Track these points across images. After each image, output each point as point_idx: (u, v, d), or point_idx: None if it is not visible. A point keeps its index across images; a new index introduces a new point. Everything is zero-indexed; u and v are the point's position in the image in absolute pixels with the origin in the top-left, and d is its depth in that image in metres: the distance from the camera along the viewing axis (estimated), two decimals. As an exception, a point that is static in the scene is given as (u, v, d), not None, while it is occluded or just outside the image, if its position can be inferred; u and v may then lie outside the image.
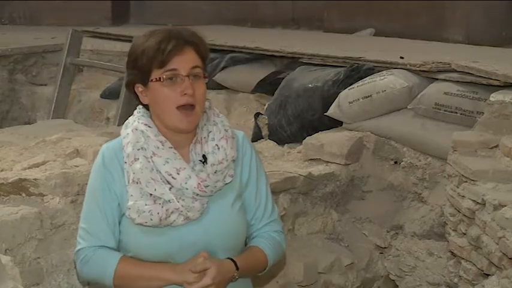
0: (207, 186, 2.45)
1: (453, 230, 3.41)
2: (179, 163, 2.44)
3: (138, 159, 2.44)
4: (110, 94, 5.63)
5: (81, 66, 5.95)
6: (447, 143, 3.67)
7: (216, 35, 5.49)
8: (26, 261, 3.02)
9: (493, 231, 2.96)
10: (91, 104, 5.75)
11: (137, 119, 2.52)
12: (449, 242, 3.47)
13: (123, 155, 2.48)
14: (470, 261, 3.23)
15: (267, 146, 4.35)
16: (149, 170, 2.43)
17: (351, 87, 4.29)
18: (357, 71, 4.42)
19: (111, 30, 6.69)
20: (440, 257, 3.87)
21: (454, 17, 5.93)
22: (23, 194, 3.17)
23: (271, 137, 4.54)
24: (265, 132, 4.60)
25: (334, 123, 4.32)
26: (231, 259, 2.50)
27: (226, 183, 2.51)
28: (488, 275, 3.08)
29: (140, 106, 2.55)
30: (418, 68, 4.30)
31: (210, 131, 2.50)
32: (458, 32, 5.88)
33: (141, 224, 2.44)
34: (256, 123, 4.66)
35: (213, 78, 5.13)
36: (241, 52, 5.32)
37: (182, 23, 6.40)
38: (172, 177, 2.43)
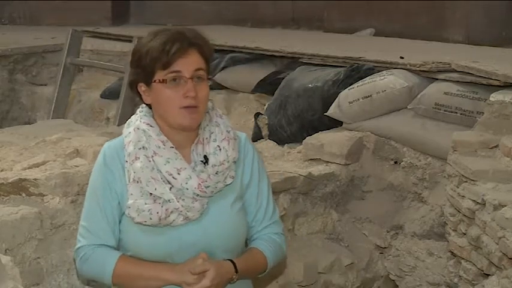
0: (208, 186, 2.45)
1: (453, 230, 3.41)
2: (180, 163, 2.44)
3: (139, 158, 2.44)
4: (110, 94, 5.63)
5: (81, 66, 5.95)
6: (447, 143, 3.67)
7: (216, 35, 5.46)
8: (26, 261, 3.02)
9: (493, 231, 2.96)
10: (91, 104, 5.75)
11: (139, 118, 2.51)
12: (449, 242, 3.47)
13: (125, 153, 2.48)
14: (470, 261, 3.23)
15: (267, 146, 4.35)
16: (150, 170, 2.43)
17: (351, 87, 4.29)
18: (357, 71, 4.42)
19: (111, 30, 6.69)
20: (440, 257, 3.87)
21: (454, 17, 5.93)
22: (23, 194, 3.17)
23: (271, 137, 4.54)
24: (265, 132, 4.60)
25: (334, 123, 4.32)
26: (231, 261, 2.50)
27: (227, 184, 2.50)
28: (488, 275, 3.08)
29: (143, 105, 2.55)
30: (418, 68, 4.30)
31: (212, 132, 2.50)
32: (458, 32, 5.89)
33: (140, 223, 2.44)
34: (256, 123, 4.66)
35: (213, 78, 5.13)
36: (241, 52, 5.32)
37: (182, 23, 6.39)
38: (173, 177, 2.43)
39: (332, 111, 4.27)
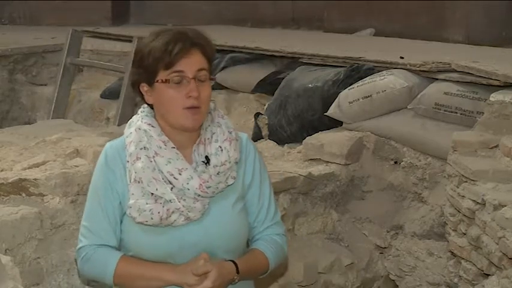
0: (209, 187, 2.45)
1: (453, 230, 3.41)
2: (181, 163, 2.44)
3: (140, 158, 2.44)
4: (110, 94, 5.63)
5: (81, 66, 5.95)
6: (447, 143, 3.67)
7: (216, 35, 5.45)
8: (26, 261, 3.02)
9: (493, 231, 2.96)
10: (91, 104, 5.75)
11: (141, 119, 2.51)
12: (449, 242, 3.47)
13: (126, 154, 2.48)
14: (470, 261, 3.23)
15: (267, 146, 4.35)
16: (151, 170, 2.43)
17: (351, 87, 4.29)
18: (357, 71, 4.42)
19: (111, 30, 6.69)
20: (440, 257, 3.87)
21: (454, 17, 5.93)
22: (23, 194, 3.17)
23: (271, 137, 4.54)
24: (265, 132, 4.60)
25: (334, 123, 4.32)
26: (233, 261, 2.50)
27: (229, 185, 2.50)
28: (488, 275, 3.08)
29: (144, 105, 2.54)
30: (418, 68, 4.30)
31: (214, 133, 2.49)
32: (458, 32, 5.89)
33: (141, 223, 2.44)
34: (256, 123, 4.66)
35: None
36: (241, 52, 5.32)
37: (182, 23, 6.41)
38: (174, 178, 2.43)
39: (332, 111, 4.27)
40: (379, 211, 4.11)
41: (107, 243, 2.50)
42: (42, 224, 3.07)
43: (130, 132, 2.49)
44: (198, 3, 7.39)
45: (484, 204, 3.09)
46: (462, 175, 3.34)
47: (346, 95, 4.24)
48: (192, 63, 2.42)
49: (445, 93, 4.05)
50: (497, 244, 2.92)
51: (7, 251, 2.92)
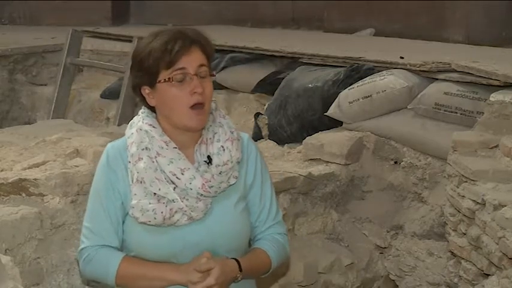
0: (212, 187, 2.45)
1: (453, 230, 3.41)
2: (183, 163, 2.44)
3: (142, 159, 2.44)
4: (110, 94, 5.63)
5: (81, 66, 5.95)
6: (447, 143, 3.67)
7: (216, 35, 5.46)
8: (26, 261, 3.02)
9: (493, 231, 2.96)
10: (91, 104, 5.75)
11: (142, 119, 2.51)
12: (449, 242, 3.47)
13: (127, 154, 2.48)
14: (470, 261, 3.23)
15: (267, 146, 4.35)
16: (153, 170, 2.43)
17: (351, 87, 4.29)
18: (357, 71, 4.42)
19: (111, 30, 6.69)
20: (440, 257, 3.87)
21: (454, 17, 5.93)
22: (23, 194, 3.17)
23: (271, 137, 4.54)
24: (265, 132, 4.60)
25: (334, 123, 4.32)
26: (236, 259, 2.50)
27: (231, 185, 2.50)
28: (488, 275, 3.08)
29: (144, 107, 2.54)
30: (418, 68, 4.30)
31: (216, 132, 2.49)
32: (458, 32, 5.89)
33: (144, 223, 2.44)
34: (256, 123, 4.66)
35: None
36: (241, 52, 5.32)
37: (182, 23, 6.40)
38: (177, 178, 2.43)
39: (332, 111, 4.27)
40: (379, 211, 4.11)
41: (109, 244, 2.50)
42: (42, 224, 3.07)
43: (132, 133, 2.49)
44: (198, 3, 7.39)
45: (484, 204, 3.09)
46: (462, 175, 3.34)
47: (346, 95, 4.24)
48: (192, 60, 2.42)
49: (445, 93, 4.05)
50: (497, 244, 2.92)
51: (7, 251, 2.92)
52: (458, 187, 3.34)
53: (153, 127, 2.48)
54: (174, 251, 2.46)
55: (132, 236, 2.50)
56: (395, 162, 4.14)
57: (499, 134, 3.54)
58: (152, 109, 2.52)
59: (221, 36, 5.58)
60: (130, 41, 5.56)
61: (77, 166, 3.32)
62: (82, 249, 2.53)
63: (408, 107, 4.16)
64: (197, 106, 2.43)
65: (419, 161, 4.04)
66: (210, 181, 2.44)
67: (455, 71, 4.19)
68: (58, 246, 3.13)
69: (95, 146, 3.55)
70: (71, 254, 3.15)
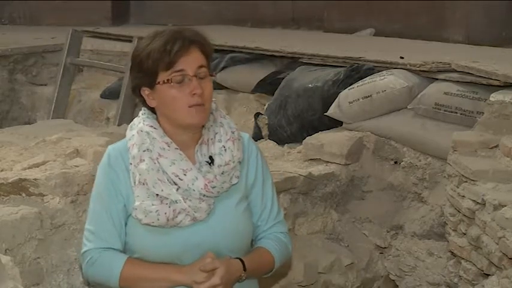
0: (214, 187, 2.45)
1: (453, 230, 3.41)
2: (185, 164, 2.44)
3: (144, 160, 2.44)
4: (110, 94, 5.63)
5: (81, 66, 5.95)
6: (447, 143, 3.67)
7: (216, 35, 5.46)
8: (26, 261, 3.02)
9: (493, 231, 2.96)
10: (91, 104, 5.75)
11: (142, 121, 2.50)
12: (449, 242, 3.47)
13: (129, 156, 2.47)
14: (470, 261, 3.23)
15: (267, 146, 4.35)
16: (155, 171, 2.43)
17: (351, 87, 4.29)
18: (357, 71, 4.42)
19: (111, 30, 6.69)
20: (440, 257, 3.87)
21: (454, 17, 5.93)
22: (23, 194, 3.17)
23: (271, 137, 4.54)
24: (265, 132, 4.60)
25: (334, 123, 4.32)
26: (240, 259, 2.50)
27: (233, 184, 2.51)
28: (488, 275, 3.08)
29: (145, 108, 2.54)
30: (418, 68, 4.30)
31: (217, 132, 2.49)
32: (458, 32, 5.89)
33: (148, 224, 2.44)
34: (256, 123, 4.66)
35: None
36: (241, 52, 5.32)
37: (182, 23, 6.40)
38: (179, 178, 2.43)
39: (332, 111, 4.27)
40: (379, 211, 4.11)
41: (112, 246, 2.50)
42: (42, 224, 3.07)
43: (133, 135, 2.49)
44: (198, 3, 7.39)
45: (484, 204, 3.09)
46: (462, 175, 3.34)
47: (346, 95, 4.24)
48: (191, 61, 2.42)
49: (445, 93, 4.05)
50: (497, 244, 2.92)
51: (7, 251, 2.92)
52: (458, 187, 3.34)
53: (154, 128, 2.47)
54: (177, 252, 2.46)
55: (134, 237, 2.49)
56: (395, 162, 4.14)
57: (499, 134, 3.54)
58: (152, 110, 2.52)
59: (221, 36, 5.58)
60: (130, 41, 5.56)
61: (77, 166, 3.32)
62: (85, 252, 2.52)
63: (408, 107, 4.16)
64: (197, 106, 2.43)
65: (419, 161, 4.04)
66: (212, 181, 2.44)
67: (455, 71, 4.19)
68: (58, 246, 3.13)
69: (95, 146, 3.55)
70: (71, 254, 3.15)
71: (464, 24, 5.90)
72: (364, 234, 4.12)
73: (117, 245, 2.50)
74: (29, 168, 3.30)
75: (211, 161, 2.47)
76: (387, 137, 4.15)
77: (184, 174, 2.43)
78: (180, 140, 2.48)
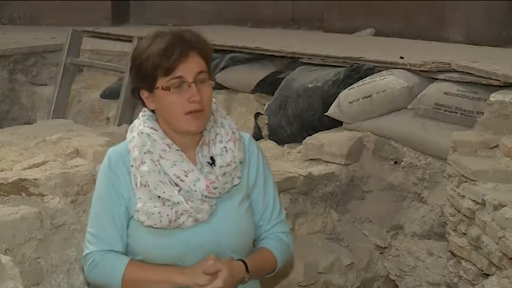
0: (216, 188, 2.44)
1: (453, 230, 3.41)
2: (187, 165, 2.43)
3: (145, 162, 2.42)
4: (110, 94, 5.63)
5: (81, 66, 5.95)
6: (447, 143, 3.68)
7: (216, 35, 5.49)
8: (26, 261, 3.02)
9: (493, 231, 2.96)
10: (91, 104, 5.75)
11: (142, 123, 2.49)
12: (449, 242, 3.47)
13: (130, 158, 2.47)
14: (470, 261, 3.23)
15: (267, 146, 4.35)
16: (157, 173, 2.42)
17: (351, 87, 4.29)
18: (357, 71, 4.42)
19: (111, 30, 6.69)
20: (440, 257, 3.87)
21: (454, 17, 5.93)
22: (23, 194, 3.17)
23: (271, 137, 4.54)
24: (265, 132, 4.60)
25: (334, 123, 4.32)
26: (242, 261, 2.49)
27: (234, 185, 2.50)
28: (488, 275, 3.08)
29: (145, 109, 2.53)
30: (418, 68, 4.30)
31: (218, 133, 2.48)
32: (458, 32, 5.89)
33: (150, 226, 2.43)
34: (256, 123, 4.66)
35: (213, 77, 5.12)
36: (241, 52, 5.32)
37: (182, 23, 6.41)
38: (181, 180, 2.42)
39: (332, 111, 4.27)
40: (379, 211, 4.11)
41: (114, 248, 2.49)
42: (42, 224, 3.07)
43: (133, 137, 2.48)
44: (198, 3, 7.39)
45: (484, 204, 3.09)
46: (462, 175, 3.34)
47: (346, 95, 4.24)
48: (191, 67, 2.40)
49: (445, 93, 4.05)
50: (497, 244, 2.92)
51: (7, 251, 2.92)
52: (458, 187, 3.34)
53: (155, 130, 2.46)
54: (180, 253, 2.45)
55: (136, 239, 2.49)
56: (396, 162, 4.14)
57: (499, 134, 3.54)
58: (153, 111, 2.51)
59: (221, 36, 5.58)
60: (130, 41, 5.56)
61: (77, 166, 3.32)
62: (87, 254, 2.52)
63: (408, 107, 4.16)
64: (195, 112, 2.42)
65: (419, 161, 4.04)
66: (214, 182, 2.43)
67: (455, 71, 4.19)
68: (58, 246, 3.13)
69: (95, 146, 3.55)
70: (71, 254, 3.15)
71: (464, 24, 5.90)
72: (364, 234, 4.12)
73: (119, 248, 2.50)
74: (29, 168, 3.30)
75: (212, 162, 2.46)
76: (387, 137, 4.15)
77: (186, 176, 2.42)
78: (181, 141, 2.47)
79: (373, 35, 6.24)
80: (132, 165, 2.46)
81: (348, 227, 4.13)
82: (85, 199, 3.20)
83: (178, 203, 2.42)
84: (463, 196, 3.26)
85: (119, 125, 4.82)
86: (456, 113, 3.98)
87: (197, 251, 2.45)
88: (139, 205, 2.43)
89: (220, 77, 5.20)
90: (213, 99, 2.51)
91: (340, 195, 4.11)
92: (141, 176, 2.43)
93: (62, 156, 3.45)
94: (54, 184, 3.15)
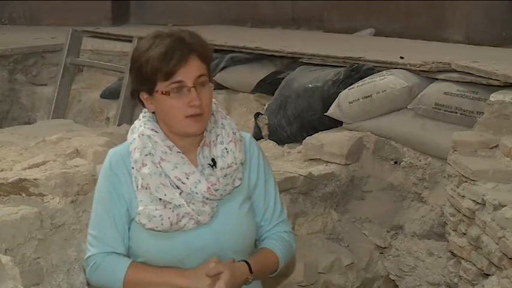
0: (217, 190, 2.44)
1: (453, 230, 3.41)
2: (188, 168, 2.42)
3: (146, 164, 2.42)
4: (110, 94, 5.63)
5: (81, 66, 5.95)
6: (447, 143, 3.68)
7: (216, 35, 5.49)
8: (26, 261, 3.02)
9: (493, 231, 2.96)
10: (91, 104, 5.75)
11: (143, 124, 2.48)
12: (449, 242, 3.47)
13: (130, 160, 2.46)
14: (470, 261, 3.23)
15: (267, 146, 4.35)
16: (158, 175, 2.41)
17: (351, 87, 4.29)
18: (357, 71, 4.42)
19: (111, 30, 6.69)
20: (440, 257, 3.87)
21: (454, 17, 5.93)
22: (23, 194, 3.17)
23: (271, 137, 4.54)
24: (265, 132, 4.60)
25: (334, 123, 4.32)
26: (245, 261, 2.49)
27: (235, 187, 2.50)
28: (488, 275, 3.08)
29: (145, 109, 2.53)
30: (418, 68, 4.30)
31: (219, 134, 2.48)
32: (458, 32, 5.89)
33: (151, 229, 2.43)
34: (256, 123, 4.66)
35: (213, 78, 5.12)
36: (241, 52, 5.32)
37: (182, 23, 6.41)
38: (182, 182, 2.41)
39: (332, 111, 4.27)
40: (379, 211, 4.11)
41: (115, 250, 2.49)
42: (42, 224, 3.07)
43: (134, 139, 2.47)
44: (198, 3, 7.39)
45: (484, 204, 3.09)
46: (462, 175, 3.34)
47: (346, 95, 4.24)
48: (190, 71, 2.39)
49: (445, 93, 4.05)
50: (497, 244, 2.92)
51: (7, 251, 2.92)
52: (458, 187, 3.34)
53: (156, 132, 2.45)
54: (181, 256, 2.45)
55: (138, 242, 2.48)
56: (396, 162, 4.14)
57: (499, 134, 3.54)
58: (153, 112, 2.51)
59: (221, 36, 5.58)
60: (130, 41, 5.56)
61: (77, 166, 3.32)
62: (88, 257, 2.51)
63: (408, 107, 4.16)
64: (195, 116, 2.42)
65: (419, 161, 4.04)
66: (215, 184, 2.43)
67: (455, 71, 4.19)
68: (58, 246, 3.13)
69: (95, 146, 3.55)
70: (71, 254, 3.15)
71: (464, 24, 5.90)
72: (364, 234, 4.12)
73: (121, 249, 2.49)
74: (29, 168, 3.30)
75: (213, 163, 2.45)
76: (387, 137, 4.15)
77: (187, 178, 2.41)
78: (181, 143, 2.46)
79: (373, 35, 6.24)
80: (133, 167, 2.45)
81: (348, 227, 4.13)
82: (85, 199, 3.20)
83: (179, 205, 2.41)
84: (463, 196, 3.26)
85: (119, 125, 4.82)
86: (456, 113, 3.98)
87: (199, 253, 2.45)
88: (140, 208, 2.42)
89: (220, 77, 5.20)
90: (214, 100, 2.51)
91: (340, 195, 4.11)
92: (142, 179, 2.42)
93: (62, 156, 3.45)
94: (54, 184, 3.15)
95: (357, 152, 4.14)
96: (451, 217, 3.43)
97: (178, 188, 2.42)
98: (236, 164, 2.47)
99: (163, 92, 2.39)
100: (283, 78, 4.78)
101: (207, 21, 6.89)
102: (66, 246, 3.14)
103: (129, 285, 2.46)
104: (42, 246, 3.08)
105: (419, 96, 4.13)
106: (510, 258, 2.85)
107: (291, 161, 4.14)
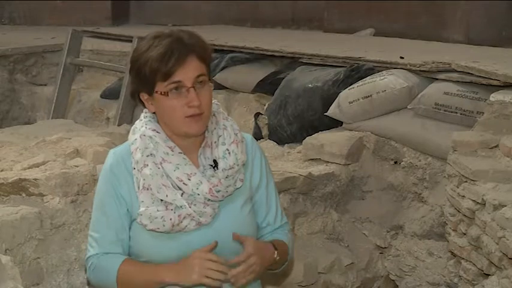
0: (219, 191, 2.43)
1: (453, 230, 3.41)
2: (189, 168, 2.42)
3: (147, 165, 2.41)
4: (110, 94, 5.63)
5: (81, 66, 5.95)
6: (447, 143, 3.68)
7: (216, 35, 5.49)
8: (26, 261, 3.02)
9: (493, 231, 2.96)
10: (91, 104, 5.75)
11: (144, 124, 2.48)
12: (449, 242, 3.47)
13: (131, 160, 2.46)
14: (470, 261, 3.23)
15: (267, 146, 4.35)
16: (160, 176, 2.41)
17: (351, 87, 4.29)
18: (357, 71, 4.42)
19: (111, 30, 6.69)
20: (440, 257, 3.87)
21: (454, 17, 5.93)
22: (23, 194, 3.17)
23: (271, 137, 4.54)
24: (265, 132, 4.60)
25: (334, 123, 4.32)
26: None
27: (237, 188, 2.49)
28: (488, 275, 3.08)
29: (146, 109, 2.53)
30: (418, 68, 4.30)
31: (220, 135, 2.47)
32: (458, 32, 5.89)
33: (153, 230, 2.43)
34: (256, 123, 4.66)
35: (213, 78, 5.12)
36: (241, 52, 5.32)
37: (182, 23, 6.42)
38: (184, 183, 2.41)
39: (332, 111, 4.27)
40: (379, 211, 4.11)
41: (112, 251, 2.49)
42: (42, 224, 3.07)
43: (135, 139, 2.47)
44: (198, 3, 7.39)
45: (484, 204, 3.09)
46: (462, 175, 3.34)
47: (346, 95, 4.24)
48: (189, 71, 2.38)
49: (445, 93, 4.05)
50: (497, 244, 2.92)
51: (7, 251, 2.92)
52: (458, 187, 3.34)
53: (157, 132, 2.45)
54: (182, 257, 2.44)
55: (139, 242, 2.48)
56: (396, 162, 4.14)
57: (499, 134, 3.54)
58: (153, 113, 2.51)
59: (221, 36, 5.58)
60: (130, 41, 5.56)
61: (77, 166, 3.33)
62: (88, 258, 2.53)
63: (408, 107, 4.16)
64: (195, 115, 2.41)
65: (419, 161, 4.04)
66: (217, 185, 2.43)
67: (455, 71, 4.19)
68: (58, 246, 3.13)
69: (94, 146, 3.55)
70: (71, 254, 3.15)
71: (464, 24, 5.90)
72: (364, 234, 4.12)
73: (118, 251, 2.49)
74: (29, 168, 3.31)
75: (215, 164, 2.45)
76: (387, 137, 4.15)
77: (189, 179, 2.41)
78: (183, 144, 2.46)
79: (373, 35, 6.24)
80: (134, 168, 2.45)
81: (348, 227, 4.13)
82: (85, 199, 3.20)
83: (181, 206, 2.41)
84: (463, 196, 3.26)
85: (119, 125, 4.82)
86: (456, 113, 3.98)
87: None
88: (142, 209, 2.42)
89: (220, 77, 5.20)
90: (215, 100, 2.50)
91: (340, 195, 4.11)
92: (144, 179, 2.42)
93: (62, 156, 3.45)
94: (54, 184, 3.15)
95: (357, 152, 4.14)
96: (451, 217, 3.43)
97: (180, 189, 2.42)
98: (238, 165, 2.47)
99: (163, 93, 2.39)
100: (283, 78, 4.78)
101: (207, 21, 6.89)
102: (66, 246, 3.14)
103: (121, 281, 2.46)
104: (42, 246, 3.08)
105: (419, 96, 4.13)
106: (510, 258, 2.85)
107: (291, 161, 4.14)
